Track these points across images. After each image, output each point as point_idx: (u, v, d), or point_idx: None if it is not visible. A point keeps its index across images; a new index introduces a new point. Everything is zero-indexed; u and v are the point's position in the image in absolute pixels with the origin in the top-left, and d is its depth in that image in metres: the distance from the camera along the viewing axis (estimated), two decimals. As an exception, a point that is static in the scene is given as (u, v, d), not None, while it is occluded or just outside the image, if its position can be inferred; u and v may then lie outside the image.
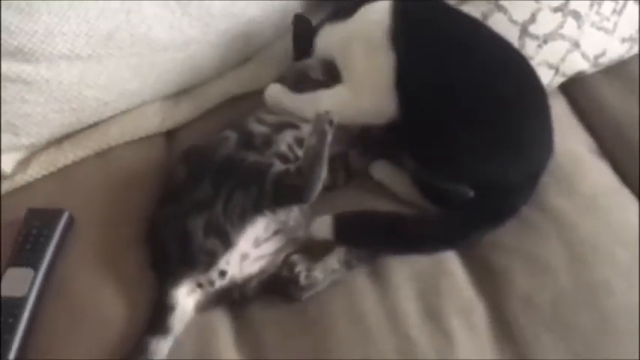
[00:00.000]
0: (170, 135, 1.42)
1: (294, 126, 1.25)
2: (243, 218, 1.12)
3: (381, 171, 1.27)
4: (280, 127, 1.24)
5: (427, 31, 1.23)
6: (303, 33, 1.36)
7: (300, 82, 1.32)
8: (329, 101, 1.25)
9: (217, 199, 1.13)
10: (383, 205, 1.23)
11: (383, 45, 1.22)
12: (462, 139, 1.18)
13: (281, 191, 1.13)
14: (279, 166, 1.15)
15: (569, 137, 1.34)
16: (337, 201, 1.20)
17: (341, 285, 1.15)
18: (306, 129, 1.23)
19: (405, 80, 1.21)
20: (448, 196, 1.19)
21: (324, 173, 1.13)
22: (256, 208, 1.13)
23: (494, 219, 1.18)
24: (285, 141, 1.21)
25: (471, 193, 1.18)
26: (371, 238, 1.18)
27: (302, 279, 1.13)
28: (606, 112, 1.39)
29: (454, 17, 1.29)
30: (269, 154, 1.19)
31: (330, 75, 1.30)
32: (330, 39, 1.29)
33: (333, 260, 1.15)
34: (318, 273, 1.14)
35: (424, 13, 1.26)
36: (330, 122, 1.13)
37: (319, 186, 1.13)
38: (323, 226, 1.16)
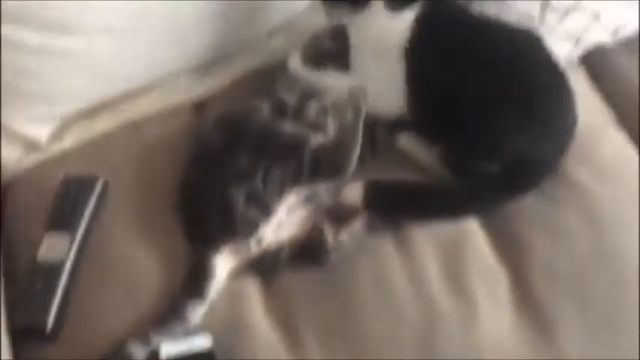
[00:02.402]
0: (198, 105, 1.45)
1: (317, 96, 1.28)
2: (282, 190, 1.16)
3: (408, 143, 1.30)
4: (307, 95, 1.27)
5: (442, 44, 1.26)
6: None
7: (314, 54, 1.36)
8: (340, 87, 1.29)
9: (257, 170, 1.17)
10: (408, 177, 1.27)
11: (394, 59, 1.26)
12: (487, 122, 1.22)
13: (320, 166, 1.17)
14: (315, 139, 1.19)
15: (589, 108, 1.35)
16: (363, 173, 1.23)
17: (367, 252, 1.19)
18: (327, 98, 1.28)
19: (416, 85, 1.25)
20: (474, 172, 1.23)
21: (358, 147, 1.16)
22: (294, 181, 1.17)
23: (517, 190, 1.22)
24: (312, 110, 1.25)
25: (497, 169, 1.21)
26: (398, 206, 1.23)
27: (329, 242, 1.17)
28: (625, 84, 1.41)
29: (470, 22, 1.31)
30: (301, 124, 1.23)
31: (341, 45, 1.33)
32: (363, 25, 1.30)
33: (358, 224, 1.19)
34: (344, 236, 1.17)
35: (442, 30, 1.28)
36: (365, 97, 1.15)
37: (355, 160, 1.16)
38: (353, 192, 1.20)
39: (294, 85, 1.30)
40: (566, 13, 1.38)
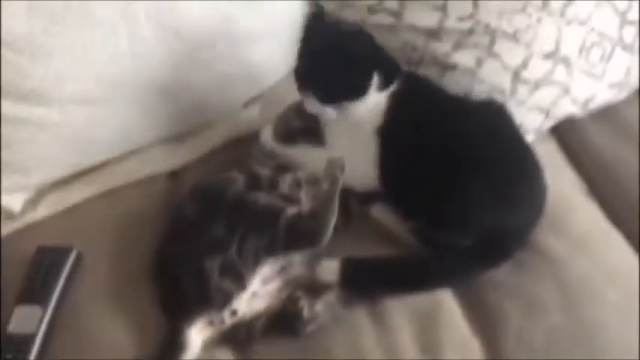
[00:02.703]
0: (174, 175, 1.46)
1: (290, 169, 1.30)
2: (257, 260, 1.16)
3: (381, 214, 1.30)
4: (281, 169, 1.28)
5: (413, 120, 1.28)
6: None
7: (284, 130, 1.38)
8: (312, 162, 1.30)
9: (231, 240, 1.16)
10: (382, 248, 1.28)
11: (369, 136, 1.28)
12: (456, 198, 1.23)
13: (294, 235, 1.17)
14: (290, 209, 1.19)
15: (560, 179, 1.38)
16: (337, 245, 1.23)
17: (342, 324, 1.19)
18: (300, 172, 1.29)
19: (388, 160, 1.27)
20: (447, 245, 1.24)
21: (335, 217, 1.17)
22: (269, 251, 1.17)
23: (490, 262, 1.23)
24: (286, 182, 1.26)
25: (469, 243, 1.22)
26: (375, 282, 1.23)
27: (305, 313, 1.16)
28: (595, 154, 1.43)
29: (438, 98, 1.34)
30: (276, 196, 1.23)
31: (309, 121, 1.36)
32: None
33: (333, 294, 1.19)
34: (320, 306, 1.17)
35: (414, 107, 1.30)
36: (342, 168, 1.17)
37: (331, 229, 1.17)
38: (330, 270, 1.20)
39: (267, 159, 1.30)
40: (536, 86, 1.41)
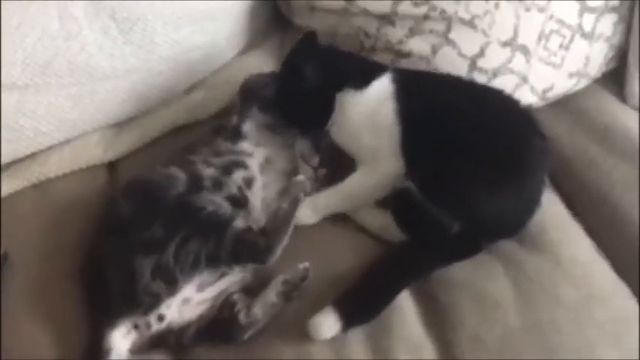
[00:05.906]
0: (112, 166, 1.39)
1: (241, 165, 1.23)
2: (196, 267, 1.11)
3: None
4: (228, 168, 1.22)
5: (424, 102, 1.25)
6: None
7: (248, 99, 1.32)
8: (357, 187, 1.26)
9: (169, 242, 1.10)
10: (345, 239, 1.24)
11: (390, 124, 1.23)
12: (462, 175, 1.18)
13: (241, 249, 1.12)
14: (240, 222, 1.14)
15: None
16: (298, 240, 1.18)
17: (289, 326, 1.13)
18: (254, 167, 1.24)
19: (409, 144, 1.22)
20: (429, 227, 1.18)
21: (287, 238, 1.12)
22: (211, 261, 1.11)
23: (466, 253, 1.20)
24: (235, 183, 1.20)
25: (456, 227, 1.17)
26: (377, 304, 1.16)
27: (242, 318, 1.11)
28: (554, 145, 1.38)
29: (444, 82, 1.32)
30: (222, 198, 1.17)
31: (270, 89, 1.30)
32: (345, 122, 1.28)
33: (272, 294, 1.13)
34: (258, 309, 1.12)
35: (420, 87, 1.28)
36: (305, 191, 1.14)
37: (280, 250, 1.12)
38: (329, 324, 1.12)
39: (213, 159, 1.24)
40: (494, 75, 1.38)
